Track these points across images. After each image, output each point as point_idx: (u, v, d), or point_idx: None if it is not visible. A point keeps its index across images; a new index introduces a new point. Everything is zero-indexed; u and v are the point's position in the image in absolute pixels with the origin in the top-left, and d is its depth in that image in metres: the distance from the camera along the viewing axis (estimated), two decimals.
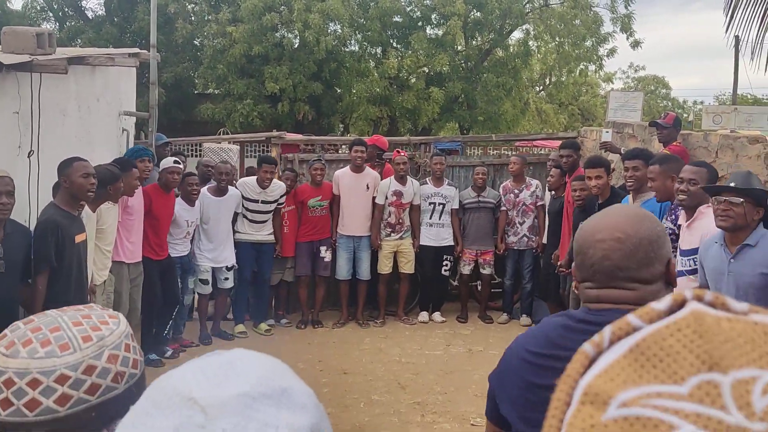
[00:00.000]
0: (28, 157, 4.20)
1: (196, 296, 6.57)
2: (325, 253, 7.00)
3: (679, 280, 3.66)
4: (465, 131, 18.15)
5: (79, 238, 3.99)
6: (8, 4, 16.87)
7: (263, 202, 6.60)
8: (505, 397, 1.48)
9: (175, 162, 5.78)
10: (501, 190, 7.25)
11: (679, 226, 3.82)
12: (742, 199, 3.00)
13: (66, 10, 17.06)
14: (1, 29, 4.30)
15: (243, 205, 6.57)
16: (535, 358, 1.40)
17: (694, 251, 3.47)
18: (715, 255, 3.17)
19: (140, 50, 6.15)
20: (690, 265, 3.53)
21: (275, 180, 6.72)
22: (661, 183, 3.91)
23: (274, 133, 8.09)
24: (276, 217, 6.76)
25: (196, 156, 11.91)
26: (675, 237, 3.90)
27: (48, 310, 0.95)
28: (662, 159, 4.16)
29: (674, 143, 5.27)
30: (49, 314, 0.93)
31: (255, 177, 6.65)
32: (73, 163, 3.91)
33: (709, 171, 3.58)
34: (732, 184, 3.06)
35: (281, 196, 6.72)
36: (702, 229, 3.25)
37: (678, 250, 3.66)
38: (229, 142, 8.27)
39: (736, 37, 14.83)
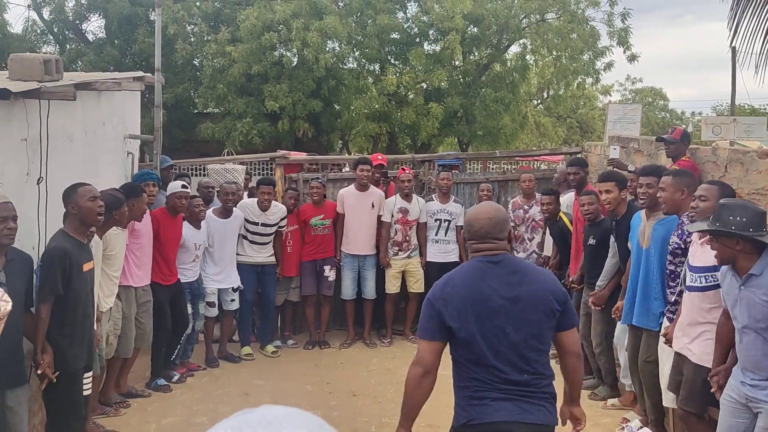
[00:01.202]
0: (37, 183, 4.17)
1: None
2: (329, 272, 6.97)
3: (687, 295, 3.65)
4: (464, 146, 18.20)
5: (87, 267, 3.96)
6: (8, 28, 16.93)
7: (263, 224, 6.58)
8: (452, 311, 2.57)
9: (183, 186, 5.77)
10: (510, 206, 7.22)
11: (687, 241, 3.81)
12: (715, 237, 3.07)
13: (66, 33, 17.13)
14: (1, 53, 4.30)
15: (245, 227, 6.54)
16: (465, 279, 2.64)
17: (707, 269, 3.46)
18: (729, 281, 3.20)
19: (145, 74, 6.15)
20: (701, 282, 3.51)
21: (275, 203, 6.70)
22: (671, 195, 3.90)
23: (279, 153, 8.09)
24: (277, 239, 6.73)
25: (201, 176, 11.91)
26: (681, 251, 3.88)
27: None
28: (676, 172, 4.15)
29: (683, 158, 5.25)
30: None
31: (256, 199, 6.63)
32: (78, 188, 3.90)
33: (720, 188, 3.58)
34: (711, 218, 3.12)
35: (282, 219, 6.69)
36: None
37: (687, 265, 3.65)
38: (234, 163, 8.26)
39: (733, 48, 14.94)
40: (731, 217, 3.03)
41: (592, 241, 5.32)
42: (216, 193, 6.67)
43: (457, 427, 2.65)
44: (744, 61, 6.20)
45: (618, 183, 4.89)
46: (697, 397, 3.53)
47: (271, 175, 8.11)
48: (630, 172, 5.45)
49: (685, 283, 3.72)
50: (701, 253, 3.52)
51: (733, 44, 6.65)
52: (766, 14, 5.71)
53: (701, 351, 3.47)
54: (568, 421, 2.78)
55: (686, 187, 3.88)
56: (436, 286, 2.70)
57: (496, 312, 2.53)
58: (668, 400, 3.96)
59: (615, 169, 5.75)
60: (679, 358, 3.68)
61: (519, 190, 7.32)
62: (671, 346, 3.82)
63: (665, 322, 4.10)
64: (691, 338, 3.59)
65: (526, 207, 7.11)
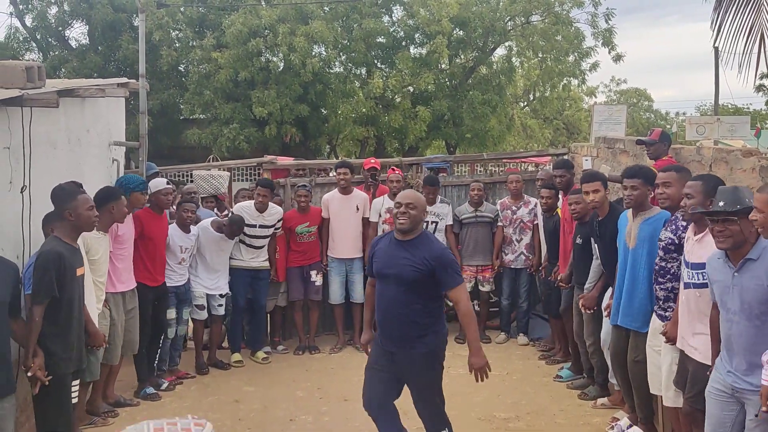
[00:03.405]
0: (21, 192, 4.13)
1: (191, 325, 6.48)
2: (316, 277, 6.95)
3: (685, 292, 3.64)
4: (452, 149, 18.25)
5: (79, 272, 3.97)
6: None
7: (261, 226, 6.55)
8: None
9: (168, 183, 5.77)
10: (498, 206, 7.23)
11: (681, 236, 3.82)
12: (736, 218, 3.01)
13: (49, 40, 17.01)
14: None
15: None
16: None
17: (704, 265, 3.46)
18: (720, 269, 3.19)
19: (129, 80, 6.11)
20: (699, 279, 3.51)
21: (272, 204, 6.68)
22: (677, 190, 3.89)
23: (266, 158, 8.07)
24: (272, 241, 6.71)
25: (188, 183, 11.86)
26: (674, 247, 3.89)
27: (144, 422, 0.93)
28: (678, 167, 4.16)
29: (664, 158, 5.28)
30: (141, 424, 0.91)
31: (253, 201, 6.61)
32: (77, 196, 3.90)
33: (705, 182, 3.57)
34: (721, 204, 3.07)
35: (278, 221, 6.68)
36: (714, 244, 3.24)
37: (684, 262, 3.64)
38: (220, 169, 8.22)
39: (716, 48, 15.09)
40: (747, 199, 3.05)
41: (579, 241, 5.34)
42: (201, 200, 6.66)
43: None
44: (727, 61, 6.26)
45: (603, 182, 4.92)
46: (704, 395, 3.53)
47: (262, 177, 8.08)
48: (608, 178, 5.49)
49: (681, 280, 3.71)
50: (698, 250, 3.51)
51: (716, 44, 6.72)
52: (748, 14, 5.77)
53: (706, 348, 3.47)
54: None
55: (687, 181, 3.87)
56: None
57: None
58: (668, 398, 3.95)
59: None
60: (684, 357, 3.67)
61: (507, 191, 7.33)
62: (673, 344, 3.80)
63: (656, 320, 4.10)
64: (693, 336, 3.59)
65: (514, 208, 7.12)
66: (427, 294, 3.71)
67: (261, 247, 6.63)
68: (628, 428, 4.60)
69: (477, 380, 3.70)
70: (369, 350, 4.03)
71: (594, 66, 17.31)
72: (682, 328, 3.67)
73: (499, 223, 7.15)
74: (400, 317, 3.71)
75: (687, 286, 3.60)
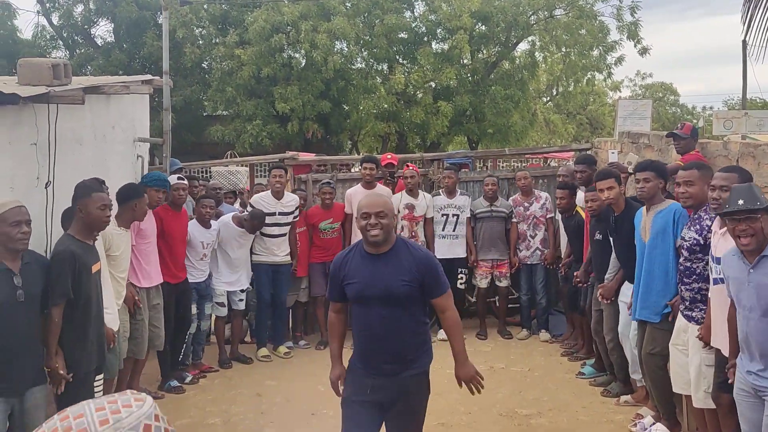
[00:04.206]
0: (45, 188, 4.19)
1: (213, 320, 6.55)
2: None
3: (715, 288, 3.58)
4: (474, 144, 18.16)
5: (95, 268, 3.95)
6: (18, 34, 17.08)
7: (280, 213, 6.58)
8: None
9: (179, 178, 5.80)
10: (510, 203, 7.21)
11: (707, 236, 3.76)
12: (759, 215, 2.97)
13: (76, 38, 17.26)
14: (12, 58, 4.33)
15: None
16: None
17: None
18: (736, 265, 3.15)
19: (153, 77, 6.17)
20: None
21: (287, 192, 6.71)
22: (700, 188, 3.83)
23: (287, 154, 8.11)
24: (291, 231, 6.74)
25: (209, 179, 11.99)
26: (699, 248, 3.82)
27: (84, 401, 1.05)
28: (699, 165, 4.10)
29: (692, 152, 5.22)
30: (81, 403, 1.02)
31: (268, 191, 6.64)
32: (92, 194, 3.86)
33: (740, 175, 3.51)
34: (741, 202, 3.02)
35: (296, 208, 6.70)
36: None
37: (711, 257, 3.58)
38: (239, 165, 8.28)
39: (744, 42, 14.79)
40: (763, 196, 3.01)
41: (598, 236, 5.30)
42: (224, 195, 6.71)
43: None
44: (756, 55, 6.13)
45: (617, 179, 4.88)
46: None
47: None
48: (630, 173, 5.43)
49: (710, 275, 3.65)
50: (724, 244, 3.45)
51: (745, 38, 6.59)
52: None
53: None
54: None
55: (710, 179, 3.81)
56: None
57: None
58: (698, 399, 3.88)
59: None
60: (722, 359, 3.59)
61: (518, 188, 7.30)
62: (709, 345, 3.73)
63: (681, 319, 4.04)
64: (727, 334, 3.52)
65: (526, 204, 7.10)
66: (416, 309, 3.22)
67: (282, 236, 6.65)
68: (651, 425, 4.54)
69: (472, 393, 3.27)
70: (341, 388, 3.37)
71: (619, 60, 17.07)
72: (715, 325, 3.60)
73: (514, 220, 7.13)
74: (391, 342, 3.16)
75: (716, 282, 3.53)
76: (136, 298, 5.05)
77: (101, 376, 4.19)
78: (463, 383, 3.26)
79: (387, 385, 3.19)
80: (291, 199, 6.69)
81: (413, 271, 3.11)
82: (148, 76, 6.21)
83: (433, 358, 3.34)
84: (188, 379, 5.85)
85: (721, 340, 3.53)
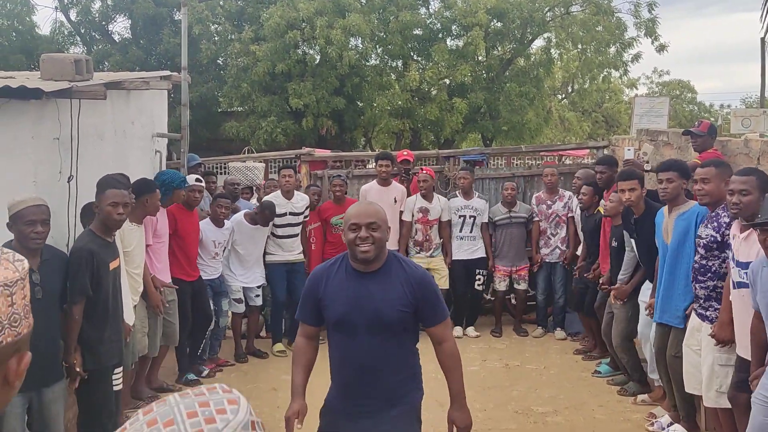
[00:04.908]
0: (68, 182, 4.24)
1: (230, 315, 6.59)
2: None
3: (737, 292, 3.54)
4: (488, 142, 18.10)
5: (113, 265, 3.96)
6: (37, 30, 17.24)
7: (291, 213, 6.60)
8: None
9: (197, 180, 5.81)
10: (534, 201, 7.17)
11: (725, 233, 3.73)
12: None
13: (93, 34, 17.40)
14: (30, 54, 4.37)
15: (272, 223, 6.57)
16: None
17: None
18: (764, 276, 3.10)
19: (172, 73, 6.22)
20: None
21: (297, 192, 6.73)
22: (716, 186, 3.79)
23: (303, 150, 8.13)
24: (302, 231, 6.76)
25: (225, 174, 12.05)
26: (716, 245, 3.79)
27: (168, 397, 0.93)
28: (717, 162, 4.06)
29: (709, 150, 5.18)
30: (168, 402, 0.90)
31: (278, 190, 6.67)
32: (105, 190, 3.86)
33: (759, 178, 3.47)
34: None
35: (306, 208, 6.72)
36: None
37: (733, 261, 3.55)
38: (255, 161, 8.32)
39: (762, 40, 14.62)
40: None
41: (614, 244, 5.29)
42: (241, 191, 6.73)
43: None
44: None
45: (640, 181, 4.84)
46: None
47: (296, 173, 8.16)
48: (648, 171, 5.39)
49: (731, 279, 3.60)
50: (746, 248, 3.41)
51: (764, 36, 6.52)
52: None
53: None
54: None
55: (728, 177, 3.77)
56: None
57: None
58: (709, 399, 3.86)
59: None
60: (742, 361, 3.56)
61: (543, 184, 7.26)
62: (723, 346, 3.70)
63: (694, 318, 4.02)
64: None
65: (549, 202, 7.05)
66: (407, 338, 2.81)
67: (294, 236, 6.67)
68: (669, 426, 4.53)
69: None
70: (296, 425, 2.81)
71: (636, 57, 16.92)
72: (738, 331, 3.54)
73: (535, 218, 7.09)
74: (378, 377, 2.73)
75: (740, 285, 3.49)
76: (162, 298, 5.09)
77: (120, 369, 4.24)
78: (455, 429, 2.83)
79: (370, 429, 2.72)
80: (301, 199, 6.70)
81: (407, 294, 2.68)
82: (167, 72, 6.26)
83: (423, 393, 2.91)
84: (205, 373, 5.90)
85: (745, 348, 3.47)
